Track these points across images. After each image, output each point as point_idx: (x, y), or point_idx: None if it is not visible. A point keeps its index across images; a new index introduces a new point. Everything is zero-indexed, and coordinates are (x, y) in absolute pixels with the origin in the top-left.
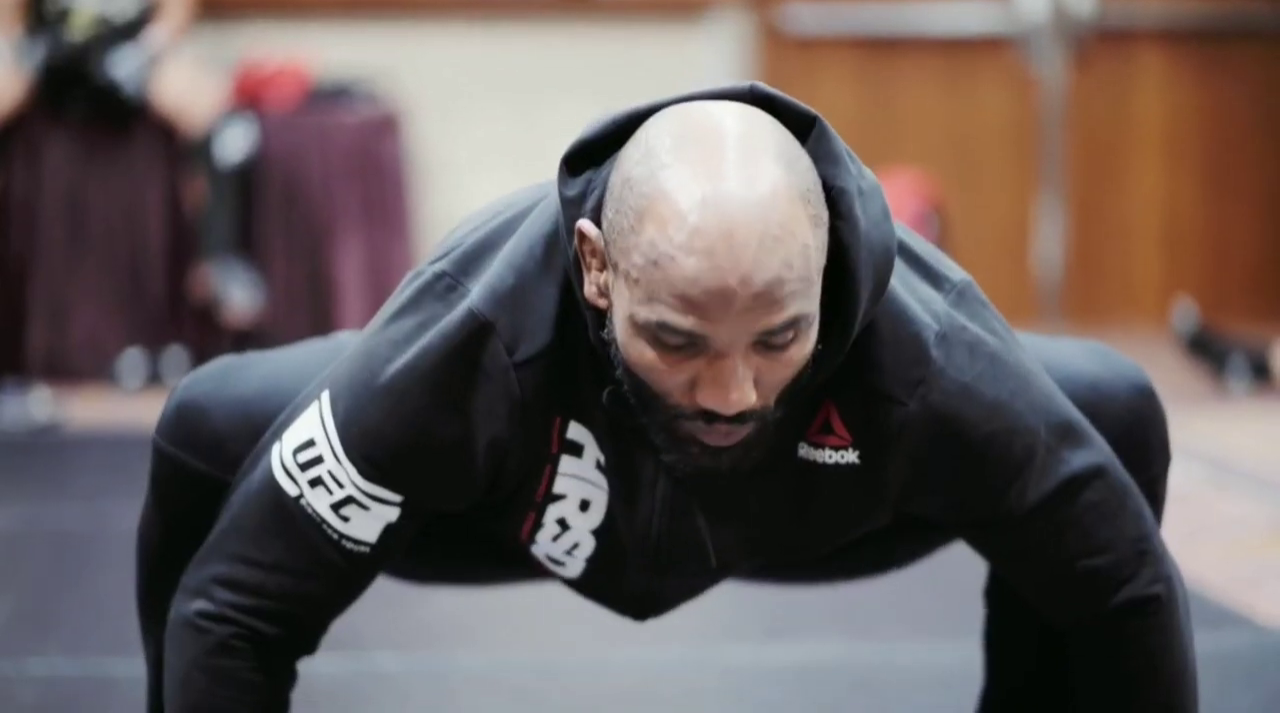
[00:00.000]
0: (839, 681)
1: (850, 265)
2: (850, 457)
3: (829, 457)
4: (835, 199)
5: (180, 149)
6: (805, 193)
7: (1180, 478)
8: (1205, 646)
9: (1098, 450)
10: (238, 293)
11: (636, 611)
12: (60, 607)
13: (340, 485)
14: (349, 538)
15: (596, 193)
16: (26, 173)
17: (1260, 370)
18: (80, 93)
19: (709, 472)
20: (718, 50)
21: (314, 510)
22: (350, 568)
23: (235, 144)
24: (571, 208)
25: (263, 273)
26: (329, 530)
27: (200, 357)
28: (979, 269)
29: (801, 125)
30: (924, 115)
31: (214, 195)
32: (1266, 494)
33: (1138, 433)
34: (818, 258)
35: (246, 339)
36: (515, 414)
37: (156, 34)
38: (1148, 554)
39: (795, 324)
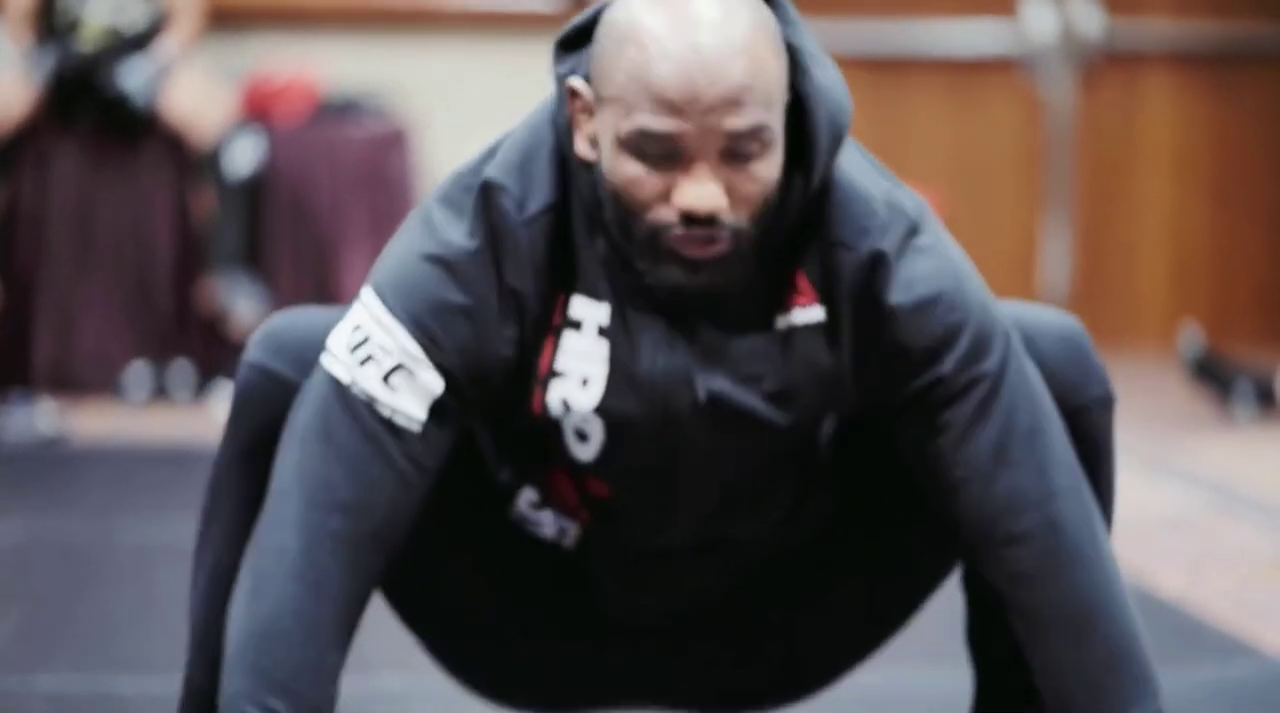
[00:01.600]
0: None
1: (809, 112)
2: (817, 313)
3: (800, 317)
4: (794, 54)
5: (189, 161)
6: (767, 27)
7: (1186, 505)
8: (1212, 675)
9: (1019, 360)
10: (244, 306)
11: (658, 505)
12: (67, 622)
13: (388, 353)
14: (400, 412)
15: (585, 63)
16: (35, 183)
17: (1266, 396)
18: (89, 103)
19: (692, 289)
20: None
21: (365, 391)
22: (405, 454)
23: (244, 157)
24: (563, 80)
25: (270, 286)
26: (380, 409)
27: (206, 370)
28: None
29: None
30: (932, 135)
31: (222, 208)
32: (1273, 522)
33: (1065, 366)
34: (779, 83)
35: None
36: (528, 273)
37: (166, 45)
38: (1050, 487)
39: (759, 134)
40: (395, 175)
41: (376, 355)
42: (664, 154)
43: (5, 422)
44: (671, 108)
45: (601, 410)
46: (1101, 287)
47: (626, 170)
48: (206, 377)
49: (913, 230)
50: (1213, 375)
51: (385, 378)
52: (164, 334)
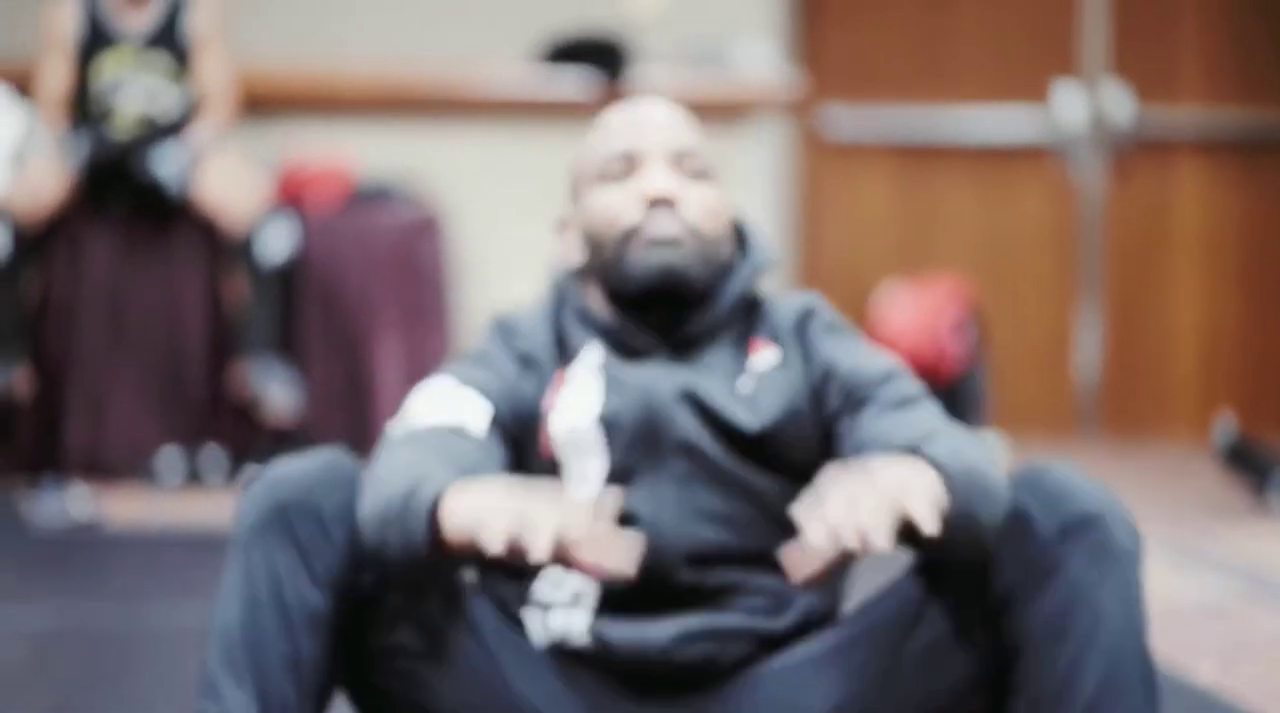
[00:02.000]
0: None
1: (746, 230)
2: (773, 355)
3: (763, 362)
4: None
5: (221, 247)
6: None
7: (1220, 593)
8: None
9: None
10: (277, 392)
11: (657, 532)
12: (97, 707)
13: (447, 395)
14: (468, 423)
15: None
16: (68, 269)
17: None
18: (123, 190)
19: (663, 268)
20: (758, 154)
21: (438, 419)
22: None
23: (277, 243)
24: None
25: (302, 372)
26: (451, 421)
27: (238, 455)
28: (1018, 377)
29: None
30: (962, 222)
31: (254, 294)
32: None
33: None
34: (705, 148)
35: (285, 438)
36: (534, 341)
37: (200, 132)
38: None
39: (697, 156)
40: (427, 263)
41: (438, 400)
42: (625, 168)
43: (38, 507)
44: (625, 133)
45: (602, 419)
46: (1133, 374)
47: (601, 199)
48: (238, 461)
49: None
50: (1247, 464)
51: (448, 407)
52: (196, 419)
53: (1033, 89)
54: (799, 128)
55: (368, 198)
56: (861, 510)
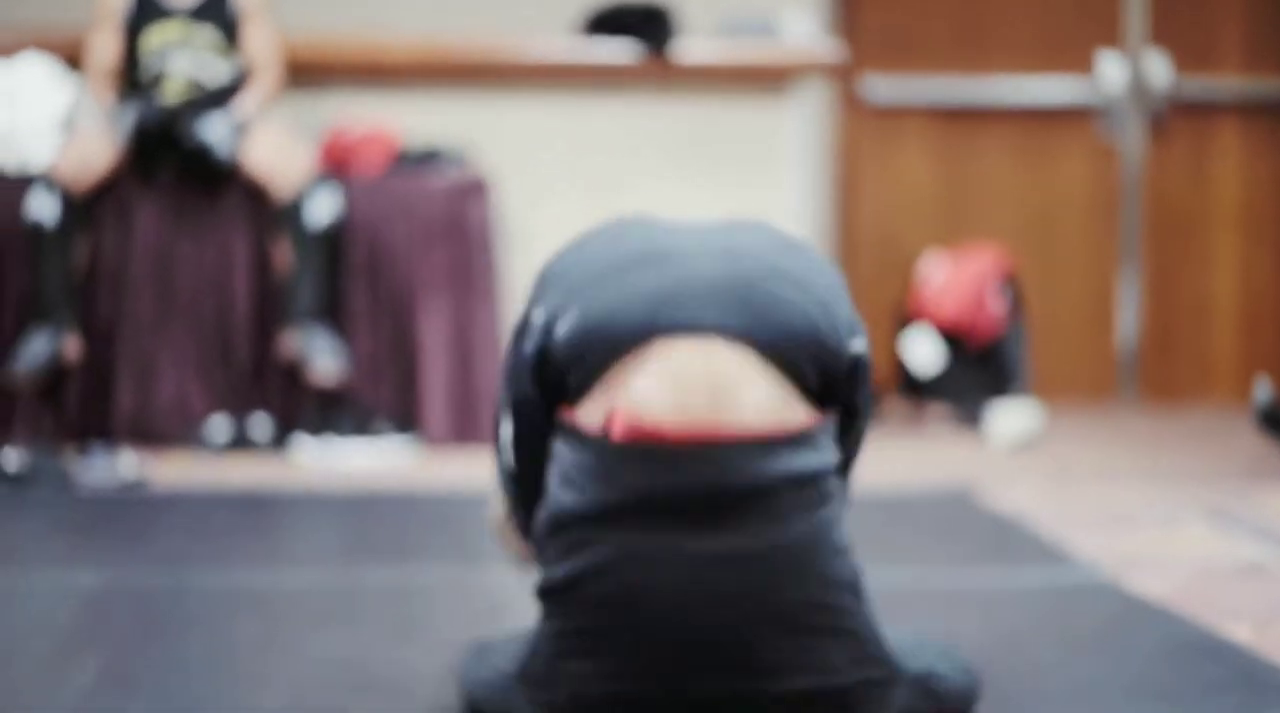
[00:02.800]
0: None
1: None
2: None
3: None
4: None
5: (268, 213)
6: None
7: (1257, 555)
8: None
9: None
10: (322, 357)
11: None
12: (146, 668)
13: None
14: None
15: None
16: (117, 235)
17: None
18: (171, 155)
19: None
20: (799, 120)
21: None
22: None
23: (323, 209)
24: None
25: (348, 337)
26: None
27: (285, 424)
28: (1059, 342)
29: None
30: (1002, 184)
31: (301, 259)
32: None
33: None
34: None
35: (331, 404)
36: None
37: (248, 100)
38: None
39: None
40: (474, 225)
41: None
42: None
43: (87, 470)
44: None
45: None
46: (1172, 339)
47: None
48: (285, 430)
49: None
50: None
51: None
52: (243, 386)
53: (1075, 61)
54: (839, 92)
55: (414, 161)
56: None
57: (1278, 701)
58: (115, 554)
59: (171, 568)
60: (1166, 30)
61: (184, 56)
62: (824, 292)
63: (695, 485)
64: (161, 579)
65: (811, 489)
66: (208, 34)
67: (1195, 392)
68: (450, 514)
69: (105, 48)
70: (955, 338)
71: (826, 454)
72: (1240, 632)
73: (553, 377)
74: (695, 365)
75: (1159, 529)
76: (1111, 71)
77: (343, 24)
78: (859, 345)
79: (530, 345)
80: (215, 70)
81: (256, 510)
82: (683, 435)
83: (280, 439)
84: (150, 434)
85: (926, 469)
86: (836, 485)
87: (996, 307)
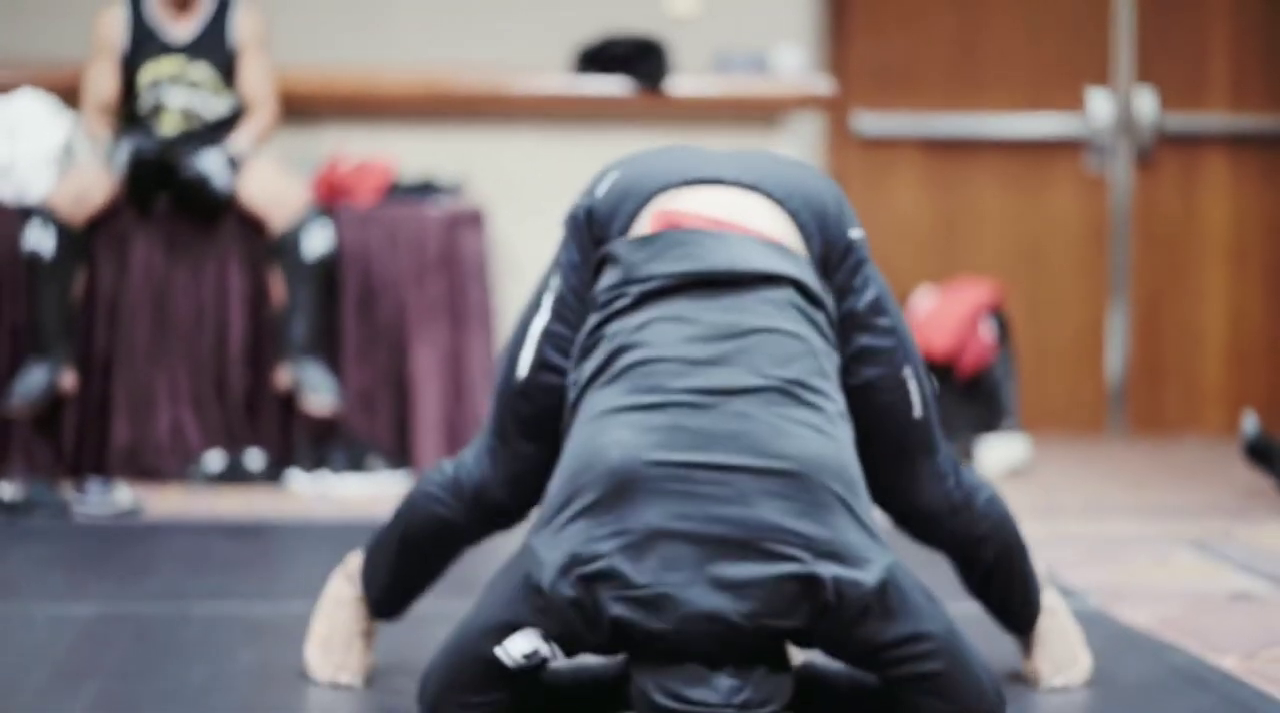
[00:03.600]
0: None
1: None
2: None
3: None
4: None
5: (263, 246)
6: None
7: (1246, 586)
8: None
9: None
10: (316, 390)
11: None
12: (142, 695)
13: None
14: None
15: None
16: (113, 267)
17: None
18: (168, 187)
19: None
20: (791, 152)
21: None
22: None
23: (317, 242)
24: None
25: (342, 369)
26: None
27: (279, 459)
28: (1048, 371)
29: None
30: (992, 216)
31: (294, 292)
32: None
33: None
34: None
35: (325, 438)
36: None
37: (244, 133)
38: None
39: None
40: (470, 256)
41: None
42: None
43: (83, 500)
44: None
45: None
46: (1161, 371)
47: None
48: (279, 465)
49: None
50: (1272, 461)
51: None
52: (237, 420)
53: (1064, 98)
54: (831, 125)
55: (409, 192)
56: None
57: None
58: (112, 583)
59: (169, 597)
60: (1155, 68)
61: (180, 91)
62: (831, 188)
63: (714, 266)
64: (159, 608)
65: (805, 301)
66: (204, 69)
67: (1184, 423)
68: None
69: (102, 81)
70: (944, 369)
71: (817, 290)
72: (1228, 661)
73: (596, 233)
74: (718, 198)
75: (1148, 560)
76: (1101, 108)
77: (337, 59)
78: (857, 234)
79: (578, 212)
80: (211, 105)
81: (253, 540)
82: (704, 222)
83: (274, 474)
84: (145, 468)
85: None
86: (826, 330)
87: (985, 337)
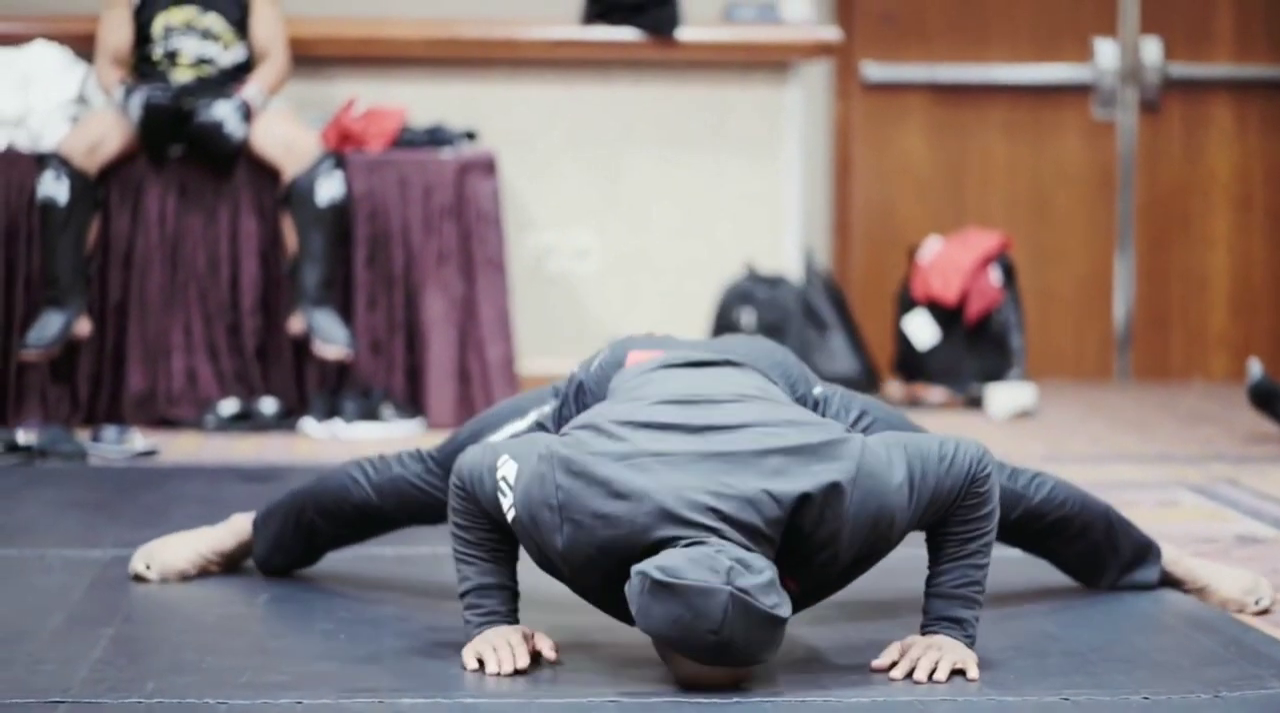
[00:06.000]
0: None
1: None
2: None
3: None
4: None
5: (275, 194)
6: None
7: (1253, 530)
8: None
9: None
10: (329, 337)
11: None
12: (158, 638)
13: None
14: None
15: None
16: (127, 215)
17: None
18: (181, 135)
19: None
20: (799, 101)
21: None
22: None
23: (329, 189)
24: None
25: (353, 316)
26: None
27: (292, 407)
28: (1054, 318)
29: None
30: (998, 163)
31: (307, 240)
32: None
33: None
34: None
35: (337, 387)
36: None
37: (257, 82)
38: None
39: None
40: (483, 202)
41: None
42: None
43: (98, 446)
44: None
45: None
46: (1167, 317)
47: None
48: (291, 413)
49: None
50: (1273, 405)
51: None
52: (250, 367)
53: (1071, 49)
54: (838, 73)
55: (420, 138)
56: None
57: (1272, 670)
58: (127, 527)
59: None
60: (1161, 19)
61: (193, 40)
62: (789, 353)
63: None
64: None
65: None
66: (216, 18)
67: (1190, 369)
68: None
69: (116, 30)
70: (951, 315)
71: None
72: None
73: (585, 402)
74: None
75: (1154, 504)
76: (1107, 57)
77: (348, 8)
78: (820, 390)
79: (574, 380)
80: (224, 54)
81: (266, 483)
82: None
83: (288, 422)
84: (160, 416)
85: None
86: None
87: (993, 284)
